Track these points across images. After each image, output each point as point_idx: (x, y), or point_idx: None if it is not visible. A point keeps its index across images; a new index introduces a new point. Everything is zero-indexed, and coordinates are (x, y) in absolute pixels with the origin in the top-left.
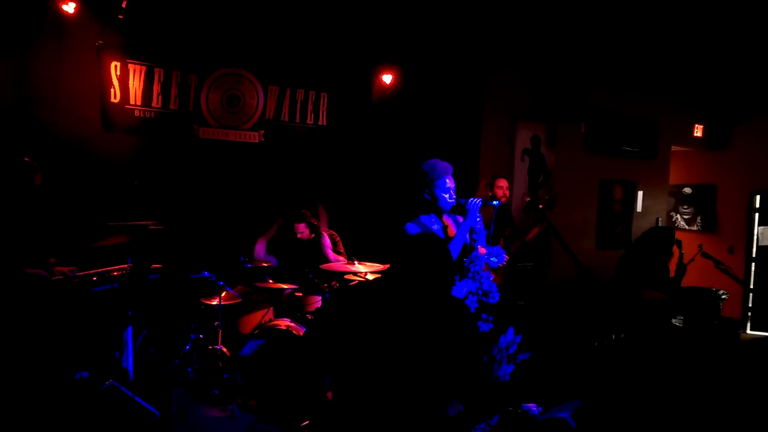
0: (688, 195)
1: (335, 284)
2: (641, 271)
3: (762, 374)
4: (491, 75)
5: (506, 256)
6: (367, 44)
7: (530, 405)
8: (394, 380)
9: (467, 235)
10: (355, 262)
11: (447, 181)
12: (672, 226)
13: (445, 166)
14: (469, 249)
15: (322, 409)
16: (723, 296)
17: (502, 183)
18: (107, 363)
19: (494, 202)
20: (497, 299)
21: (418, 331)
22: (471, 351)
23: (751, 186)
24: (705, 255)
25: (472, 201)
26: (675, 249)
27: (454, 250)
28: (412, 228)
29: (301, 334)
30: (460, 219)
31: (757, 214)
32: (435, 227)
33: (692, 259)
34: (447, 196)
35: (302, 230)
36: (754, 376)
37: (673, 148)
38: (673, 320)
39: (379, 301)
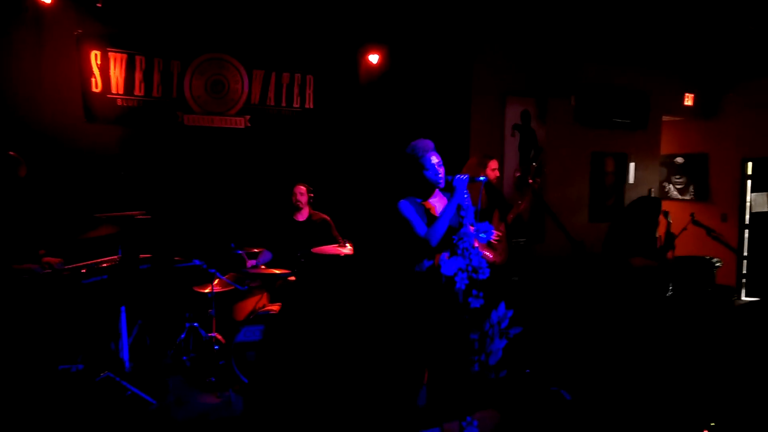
0: (680, 165)
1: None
2: (628, 241)
3: (757, 337)
4: (479, 51)
5: (495, 232)
6: (352, 24)
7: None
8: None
9: (455, 212)
10: (347, 245)
11: (432, 157)
12: (664, 196)
13: (427, 143)
14: (457, 226)
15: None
16: (717, 264)
17: (494, 164)
18: (103, 354)
19: (481, 178)
20: (487, 275)
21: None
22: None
23: (742, 153)
24: (696, 223)
25: (459, 177)
26: (662, 219)
27: (442, 226)
28: (404, 205)
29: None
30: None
31: (749, 181)
32: (425, 200)
33: (685, 228)
34: (436, 170)
35: (302, 192)
36: (749, 340)
37: (664, 117)
38: (666, 286)
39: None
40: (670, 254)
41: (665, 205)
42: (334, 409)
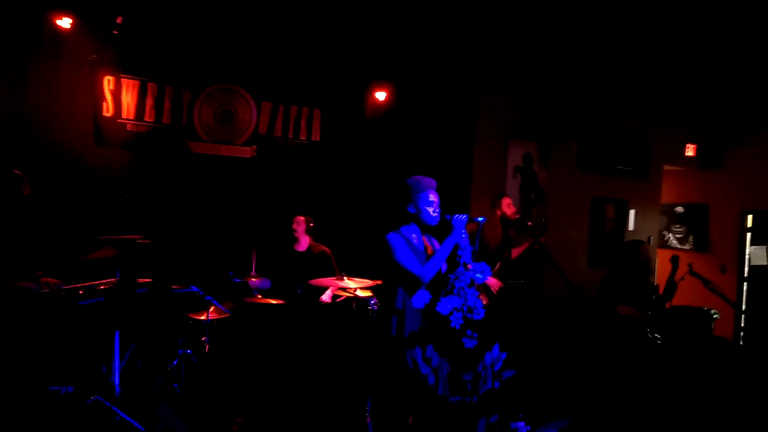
0: (680, 214)
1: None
2: (616, 286)
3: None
4: (484, 93)
5: (491, 272)
6: (360, 61)
7: (518, 424)
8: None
9: (452, 251)
10: (345, 278)
11: (430, 195)
12: (663, 245)
13: (429, 181)
14: (454, 265)
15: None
16: (714, 315)
17: (508, 201)
18: (94, 377)
19: (479, 219)
20: (482, 316)
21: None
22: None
23: (743, 205)
24: (693, 274)
25: (457, 217)
26: (669, 266)
27: (437, 264)
28: (393, 237)
29: None
30: (434, 240)
31: (749, 234)
32: (414, 237)
33: (682, 278)
34: (431, 210)
35: (299, 222)
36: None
37: (666, 167)
38: (654, 336)
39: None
40: (667, 304)
41: (664, 254)
42: None
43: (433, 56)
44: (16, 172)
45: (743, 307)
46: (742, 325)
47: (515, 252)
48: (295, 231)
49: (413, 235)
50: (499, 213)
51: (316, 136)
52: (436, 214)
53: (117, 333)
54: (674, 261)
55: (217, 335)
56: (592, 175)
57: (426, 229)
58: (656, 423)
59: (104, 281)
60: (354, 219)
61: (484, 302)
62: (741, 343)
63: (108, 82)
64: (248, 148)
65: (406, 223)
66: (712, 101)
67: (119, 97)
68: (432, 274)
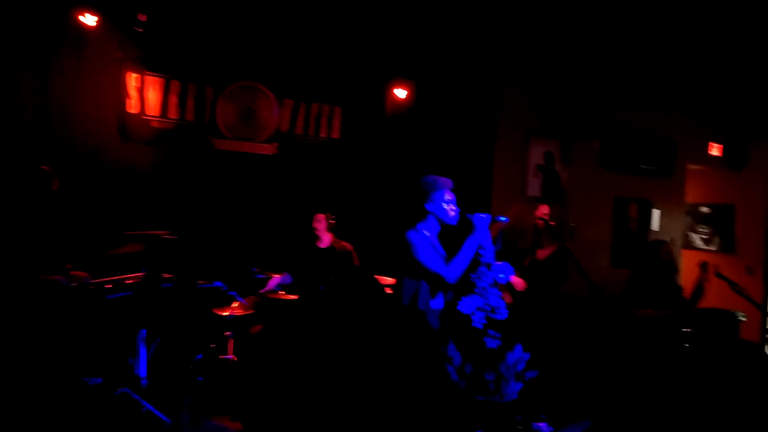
0: (705, 214)
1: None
2: (640, 288)
3: None
4: (505, 91)
5: (513, 272)
6: (381, 59)
7: (540, 425)
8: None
9: (475, 250)
10: None
11: (446, 194)
12: (688, 246)
13: (445, 180)
14: (476, 264)
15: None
16: (741, 318)
17: (545, 209)
18: (121, 370)
19: (501, 218)
20: (505, 316)
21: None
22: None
23: None
24: (720, 276)
25: (479, 216)
26: (698, 269)
27: (462, 264)
28: (414, 236)
29: None
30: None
31: None
32: (431, 235)
33: (707, 279)
34: (447, 208)
35: (319, 219)
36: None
37: (690, 166)
38: (679, 338)
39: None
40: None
41: (689, 255)
42: None
43: (453, 54)
44: (45, 167)
45: None
46: None
47: (542, 253)
48: (316, 229)
49: (428, 233)
50: (536, 220)
51: (336, 134)
52: (454, 213)
53: (143, 326)
54: (703, 267)
55: (240, 330)
56: (614, 174)
57: (444, 227)
58: (677, 426)
59: (131, 275)
60: (375, 216)
61: (508, 301)
62: (767, 346)
63: (133, 79)
64: (270, 146)
65: (421, 221)
66: (738, 100)
67: (143, 94)
68: (458, 275)
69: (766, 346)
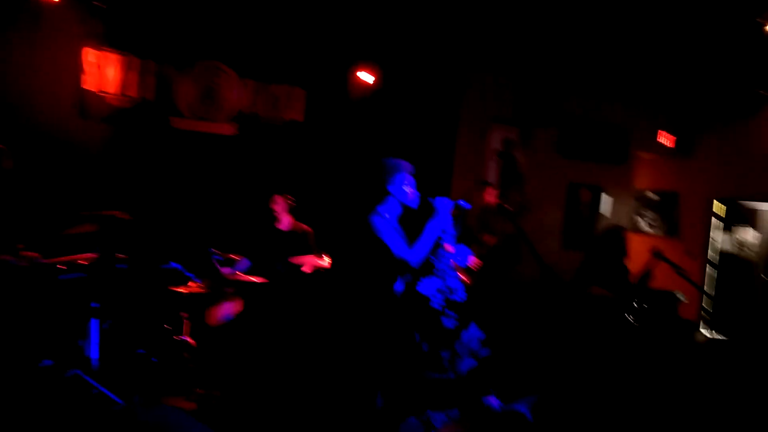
0: (652, 200)
1: None
2: (592, 269)
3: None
4: (468, 77)
5: (472, 255)
6: (346, 42)
7: (490, 399)
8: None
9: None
10: (324, 257)
11: (407, 177)
12: (635, 230)
13: (405, 163)
14: (436, 247)
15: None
16: (681, 298)
17: (492, 191)
18: (71, 351)
19: (462, 203)
20: (463, 297)
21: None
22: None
23: (712, 192)
24: (663, 258)
25: (440, 200)
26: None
27: (424, 247)
28: (378, 221)
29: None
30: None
31: (717, 220)
32: (390, 217)
33: (648, 262)
34: (408, 190)
35: (278, 201)
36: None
37: (641, 154)
38: (625, 317)
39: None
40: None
41: (635, 239)
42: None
43: (419, 39)
44: None
45: (709, 291)
46: (708, 308)
47: (491, 240)
48: (275, 210)
49: (387, 216)
50: (485, 199)
51: (298, 116)
52: (413, 196)
53: (95, 308)
54: (656, 254)
55: (197, 311)
56: (570, 161)
57: (404, 210)
58: (620, 398)
59: (83, 256)
60: (336, 199)
61: (467, 283)
62: (703, 324)
63: (91, 56)
64: (230, 126)
65: (380, 203)
66: (687, 91)
67: (102, 71)
68: (421, 258)
69: (701, 324)
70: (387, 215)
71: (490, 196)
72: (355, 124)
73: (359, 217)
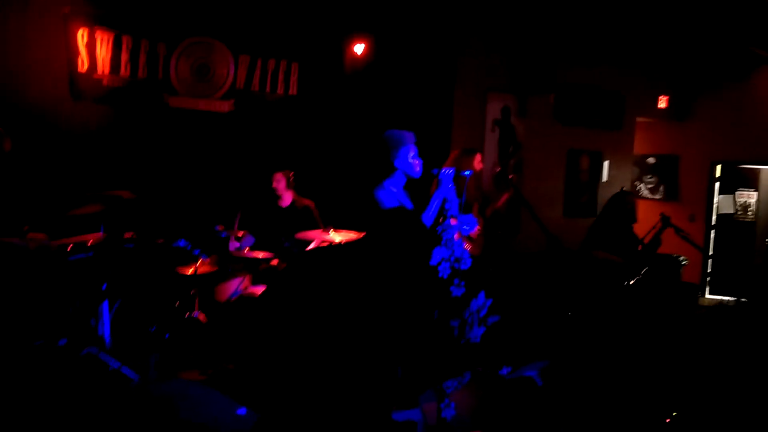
0: (651, 165)
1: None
2: (599, 235)
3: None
4: (463, 46)
5: (477, 225)
6: (339, 13)
7: (500, 365)
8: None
9: (441, 204)
10: (330, 231)
11: (411, 148)
12: (636, 195)
13: (409, 134)
14: (441, 217)
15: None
16: (683, 262)
17: (479, 157)
18: (84, 331)
19: (466, 172)
20: (469, 265)
21: (388, 294)
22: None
23: (712, 156)
24: (668, 222)
25: (444, 171)
26: (658, 222)
27: (428, 218)
28: (382, 194)
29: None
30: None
31: (717, 184)
32: (397, 190)
33: (654, 227)
34: (413, 162)
35: (278, 179)
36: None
37: (639, 118)
38: (631, 282)
39: (348, 265)
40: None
41: (638, 204)
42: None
43: (412, 8)
44: None
45: (710, 253)
46: (709, 270)
47: (495, 205)
48: (276, 189)
49: (394, 190)
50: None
51: (293, 90)
52: (419, 167)
53: (105, 287)
54: (664, 220)
55: (206, 287)
56: (568, 128)
57: (409, 181)
58: (627, 361)
59: (90, 236)
60: (335, 172)
61: (473, 252)
62: (707, 288)
63: (82, 36)
64: (226, 102)
65: (388, 177)
66: (684, 53)
67: (94, 52)
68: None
69: (706, 287)
70: (393, 188)
71: (479, 163)
72: (350, 97)
73: (365, 192)
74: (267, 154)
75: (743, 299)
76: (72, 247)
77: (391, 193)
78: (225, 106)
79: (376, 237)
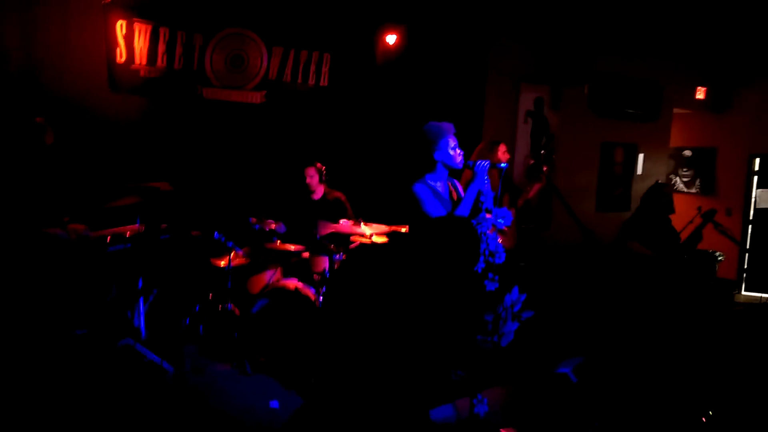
0: (687, 158)
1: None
2: (643, 229)
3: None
4: (496, 37)
5: (512, 218)
6: (371, 4)
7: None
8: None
9: (476, 197)
10: (362, 224)
11: (451, 139)
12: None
13: (448, 126)
14: (476, 211)
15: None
16: (719, 258)
17: (503, 148)
18: (120, 321)
19: (501, 165)
20: (503, 260)
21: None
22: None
23: (750, 149)
24: (709, 218)
25: (480, 163)
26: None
27: (464, 211)
28: (419, 188)
29: (309, 294)
30: (458, 183)
31: (755, 177)
32: (439, 185)
33: (691, 221)
34: (454, 153)
35: (312, 174)
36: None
37: (675, 110)
38: (666, 278)
39: (398, 265)
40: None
41: (674, 198)
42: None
43: None
44: (39, 120)
45: (747, 248)
46: (746, 266)
47: (531, 193)
48: (310, 185)
49: (438, 183)
50: (493, 159)
51: (324, 81)
52: (461, 158)
53: (141, 278)
54: (708, 215)
55: (240, 280)
56: (602, 119)
57: (451, 173)
58: (663, 358)
59: (128, 228)
60: (365, 164)
61: (507, 246)
62: (743, 284)
63: (121, 27)
64: (258, 94)
65: (430, 171)
66: (723, 43)
67: (132, 43)
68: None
69: (743, 284)
70: (434, 182)
71: (504, 154)
72: (381, 88)
73: (404, 185)
74: (298, 146)
75: None
76: (111, 239)
77: (428, 189)
78: (257, 98)
79: (422, 238)
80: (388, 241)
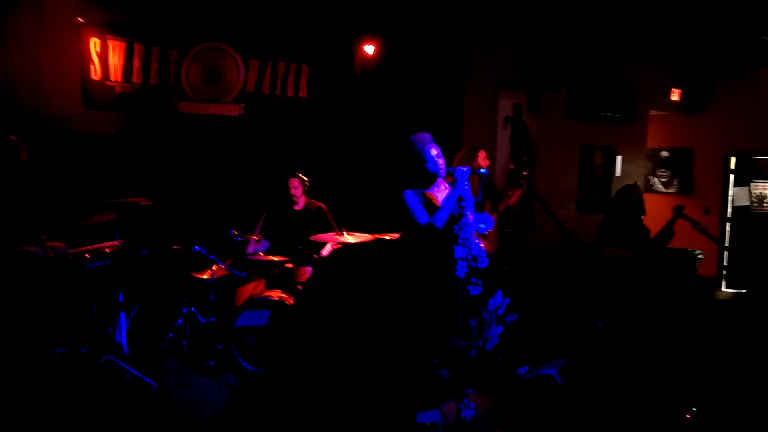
0: (665, 158)
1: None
2: (608, 230)
3: (735, 329)
4: (473, 44)
5: (494, 223)
6: (348, 15)
7: (519, 364)
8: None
9: (456, 203)
10: (344, 233)
11: (432, 149)
12: (648, 189)
13: (425, 135)
14: (458, 217)
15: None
16: (699, 256)
17: (483, 154)
18: (101, 339)
19: (482, 171)
20: (486, 264)
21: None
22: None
23: (726, 148)
24: (684, 216)
25: (460, 169)
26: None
27: (443, 217)
28: (409, 195)
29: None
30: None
31: (732, 176)
32: (441, 194)
33: (671, 220)
34: (436, 162)
35: (295, 185)
36: (727, 331)
37: (652, 112)
38: (644, 277)
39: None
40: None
41: (649, 198)
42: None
43: (422, 7)
44: (12, 138)
45: (726, 245)
46: (725, 264)
47: (507, 201)
48: (294, 196)
49: (424, 190)
50: (473, 165)
51: (303, 92)
52: (441, 166)
53: (121, 294)
54: (677, 209)
55: (221, 292)
56: (580, 123)
57: (431, 181)
58: (646, 358)
59: (107, 244)
60: (346, 174)
61: (489, 250)
62: (723, 281)
63: (94, 45)
64: (236, 106)
65: (417, 180)
66: (696, 45)
67: (106, 60)
68: (440, 224)
69: (722, 281)
70: (420, 189)
71: (484, 160)
72: (361, 98)
73: (394, 194)
74: (279, 157)
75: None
76: (90, 256)
77: (413, 193)
78: (235, 110)
79: (410, 243)
80: (367, 242)
